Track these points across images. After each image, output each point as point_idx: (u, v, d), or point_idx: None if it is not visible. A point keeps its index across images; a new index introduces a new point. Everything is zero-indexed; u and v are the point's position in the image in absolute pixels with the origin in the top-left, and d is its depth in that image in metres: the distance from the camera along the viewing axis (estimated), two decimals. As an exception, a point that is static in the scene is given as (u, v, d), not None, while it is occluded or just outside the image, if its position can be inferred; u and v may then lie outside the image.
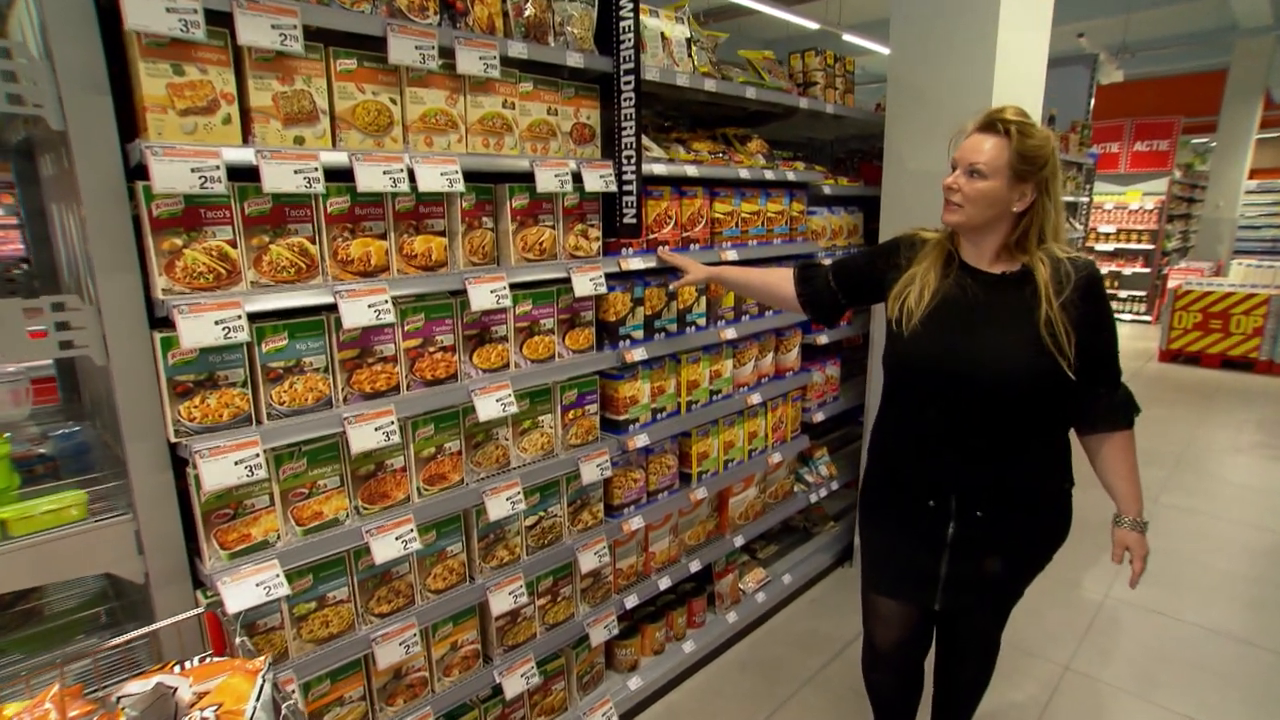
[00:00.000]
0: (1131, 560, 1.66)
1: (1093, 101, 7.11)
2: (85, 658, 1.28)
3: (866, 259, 1.87)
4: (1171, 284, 8.33)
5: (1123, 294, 11.13)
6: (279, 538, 1.59)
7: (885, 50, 2.96)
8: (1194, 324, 7.93)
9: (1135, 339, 9.62)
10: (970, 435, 1.58)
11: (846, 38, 8.77)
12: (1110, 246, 11.24)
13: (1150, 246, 10.92)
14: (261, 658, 1.19)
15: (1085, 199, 6.44)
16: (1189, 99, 11.63)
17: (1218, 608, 3.20)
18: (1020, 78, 2.85)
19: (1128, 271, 11.10)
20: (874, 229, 3.26)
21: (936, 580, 1.69)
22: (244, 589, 1.46)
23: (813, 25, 8.37)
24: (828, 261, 3.06)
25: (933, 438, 1.63)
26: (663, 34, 2.28)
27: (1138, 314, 10.96)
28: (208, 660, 1.24)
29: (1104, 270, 11.35)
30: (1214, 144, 11.66)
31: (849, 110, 3.12)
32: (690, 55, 2.39)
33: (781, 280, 2.03)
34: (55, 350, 1.30)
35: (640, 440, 2.32)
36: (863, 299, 1.94)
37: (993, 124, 1.51)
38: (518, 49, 1.83)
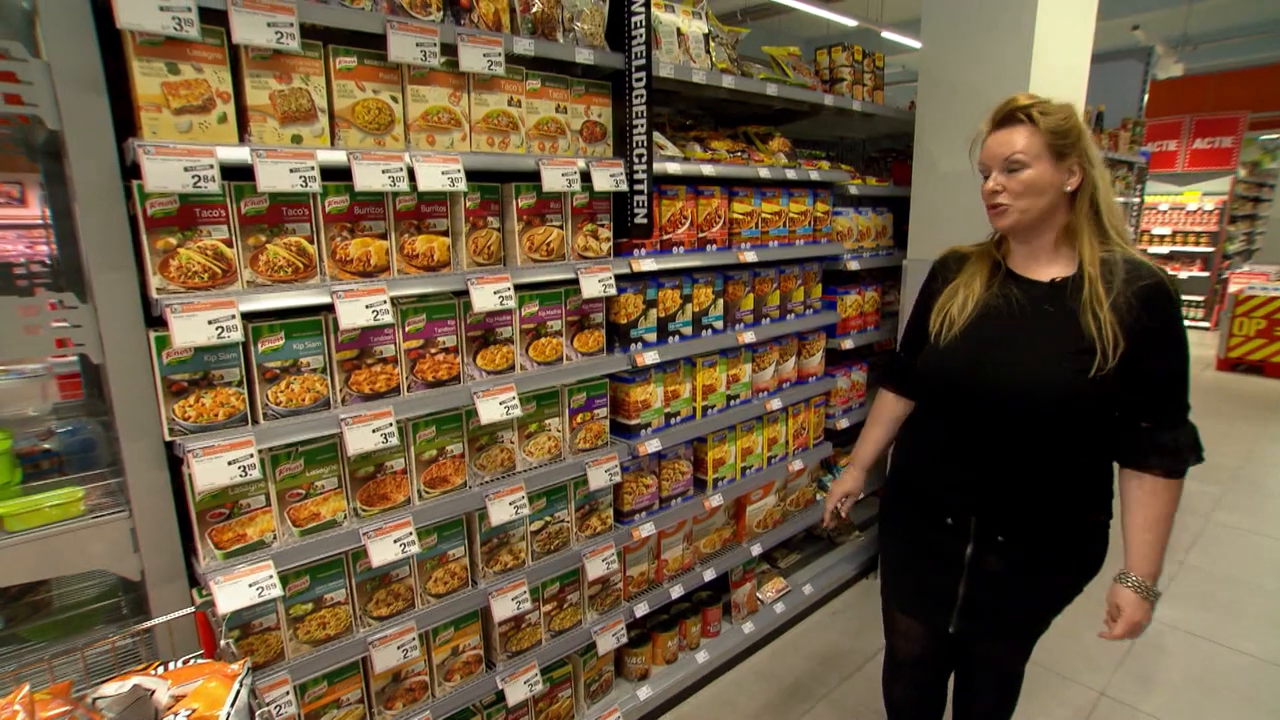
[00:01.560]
0: (1116, 621, 1.45)
1: (1146, 97, 6.77)
2: (76, 655, 1.29)
3: (918, 310, 1.71)
4: (1233, 288, 7.90)
5: (1178, 299, 10.60)
6: (275, 538, 1.58)
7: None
8: (1257, 331, 7.52)
9: (1192, 346, 9.07)
10: (997, 455, 1.47)
11: (885, 35, 8.56)
12: (1165, 249, 10.73)
13: (1209, 249, 10.39)
14: (240, 662, 1.17)
15: (1136, 199, 6.14)
16: (1256, 92, 10.96)
17: (1275, 636, 2.99)
18: (1060, 73, 2.71)
19: (1184, 275, 10.58)
20: (904, 231, 3.14)
21: (953, 602, 1.59)
22: (237, 589, 1.46)
23: (851, 22, 8.18)
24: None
25: (957, 454, 1.53)
26: (679, 29, 2.23)
27: (1194, 320, 10.44)
28: (191, 662, 1.23)
29: (1159, 274, 10.83)
30: (1285, 140, 11.04)
31: (878, 107, 3.02)
32: (708, 51, 2.33)
33: (887, 405, 1.84)
34: (52, 348, 1.31)
35: (652, 445, 2.27)
36: None
37: (1010, 116, 1.42)
38: (524, 45, 1.79)
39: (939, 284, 1.63)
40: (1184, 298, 10.67)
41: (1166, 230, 10.72)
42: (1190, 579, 3.46)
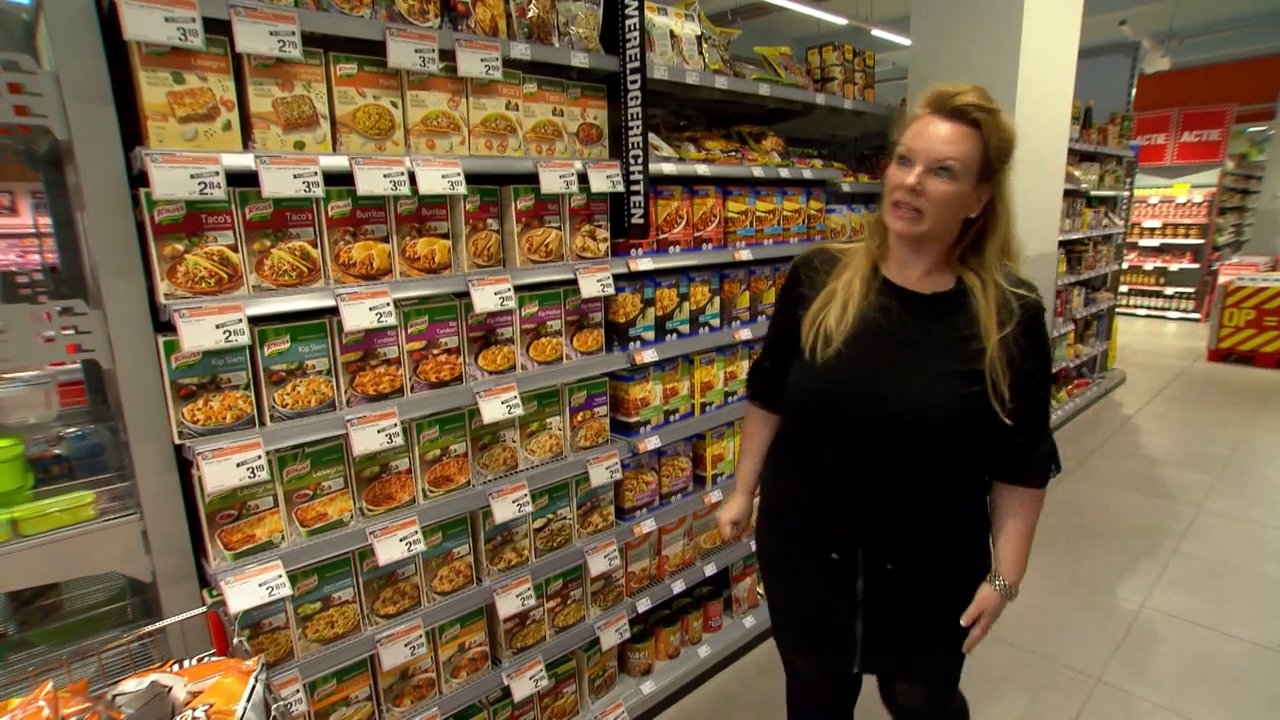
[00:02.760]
0: (977, 620, 1.41)
1: (1134, 92, 6.85)
2: (91, 655, 1.31)
3: (783, 317, 1.54)
4: (1223, 279, 7.98)
5: (1169, 291, 10.74)
6: (283, 538, 1.61)
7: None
8: (1247, 321, 7.60)
9: (1183, 337, 9.25)
10: (882, 481, 1.36)
11: (876, 33, 8.62)
12: (1155, 242, 10.84)
13: (1199, 241, 10.50)
14: (254, 659, 1.20)
15: (1126, 193, 6.20)
16: (1243, 85, 11.06)
17: (1267, 621, 3.03)
18: (1048, 69, 2.75)
19: (1174, 268, 10.69)
20: (896, 226, 3.18)
21: (853, 642, 1.46)
22: (247, 589, 1.48)
23: (841, 21, 8.23)
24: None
25: (838, 483, 1.41)
26: (671, 32, 2.26)
27: (1185, 312, 10.55)
28: (205, 660, 1.25)
29: (1149, 266, 10.97)
30: (1272, 131, 11.12)
31: (869, 105, 3.05)
32: (701, 53, 2.36)
33: (762, 422, 1.67)
34: (63, 354, 1.33)
35: (652, 442, 2.30)
36: None
37: (961, 111, 1.23)
38: (520, 50, 1.82)
39: (805, 289, 1.46)
40: (1175, 289, 10.84)
41: (1157, 223, 10.82)
42: (1183, 566, 3.50)
